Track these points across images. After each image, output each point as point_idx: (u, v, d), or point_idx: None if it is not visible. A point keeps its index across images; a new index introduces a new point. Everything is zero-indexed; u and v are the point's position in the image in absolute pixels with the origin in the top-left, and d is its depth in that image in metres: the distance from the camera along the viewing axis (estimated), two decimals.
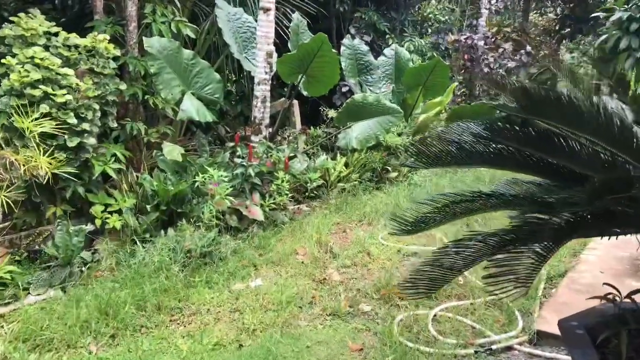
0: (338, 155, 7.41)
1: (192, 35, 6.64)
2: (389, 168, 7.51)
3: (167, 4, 6.85)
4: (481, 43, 10.22)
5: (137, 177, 5.41)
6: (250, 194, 5.42)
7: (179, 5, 6.77)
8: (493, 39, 11.05)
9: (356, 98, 6.27)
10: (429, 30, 13.28)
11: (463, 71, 10.42)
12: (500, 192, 2.30)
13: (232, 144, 5.70)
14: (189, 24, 6.64)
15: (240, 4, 7.85)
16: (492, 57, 10.45)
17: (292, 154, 6.09)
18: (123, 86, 5.36)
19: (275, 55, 6.21)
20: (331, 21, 10.48)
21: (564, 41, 13.59)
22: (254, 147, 5.96)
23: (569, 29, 12.99)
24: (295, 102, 7.99)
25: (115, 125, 5.37)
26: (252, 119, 6.12)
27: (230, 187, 5.15)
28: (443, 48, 11.54)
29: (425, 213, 2.34)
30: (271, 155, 5.77)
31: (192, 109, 5.39)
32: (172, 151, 6.23)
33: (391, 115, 6.41)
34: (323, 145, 7.99)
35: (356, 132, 6.30)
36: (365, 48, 9.13)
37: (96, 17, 5.99)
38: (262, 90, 6.01)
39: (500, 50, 10.49)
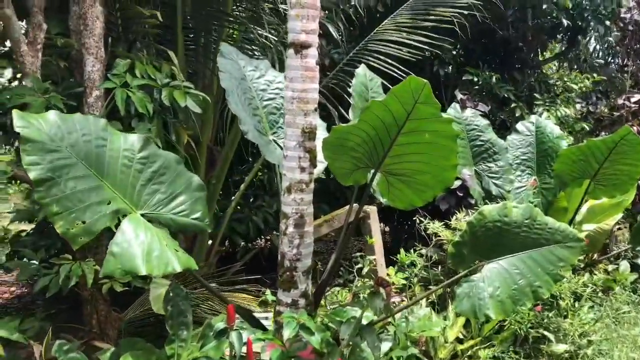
0: (449, 306, 4.13)
1: (197, 110, 3.95)
2: (548, 334, 4.01)
3: (155, 57, 4.26)
4: None
5: None
6: None
7: (175, 60, 4.13)
8: None
9: (487, 212, 3.04)
10: (558, 101, 10.00)
11: None
12: None
13: (221, 324, 2.62)
14: (194, 91, 3.98)
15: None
16: None
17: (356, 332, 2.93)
18: None
19: (324, 134, 3.25)
20: None
21: None
22: (278, 321, 2.90)
23: None
24: (373, 209, 4.89)
25: None
26: (279, 258, 3.11)
27: None
28: (592, 119, 8.06)
29: None
30: (306, 343, 2.65)
31: (136, 249, 2.49)
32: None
33: (563, 247, 3.09)
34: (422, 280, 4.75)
35: (493, 284, 3.01)
36: (484, 122, 5.98)
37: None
38: (295, 203, 3.02)
39: None
